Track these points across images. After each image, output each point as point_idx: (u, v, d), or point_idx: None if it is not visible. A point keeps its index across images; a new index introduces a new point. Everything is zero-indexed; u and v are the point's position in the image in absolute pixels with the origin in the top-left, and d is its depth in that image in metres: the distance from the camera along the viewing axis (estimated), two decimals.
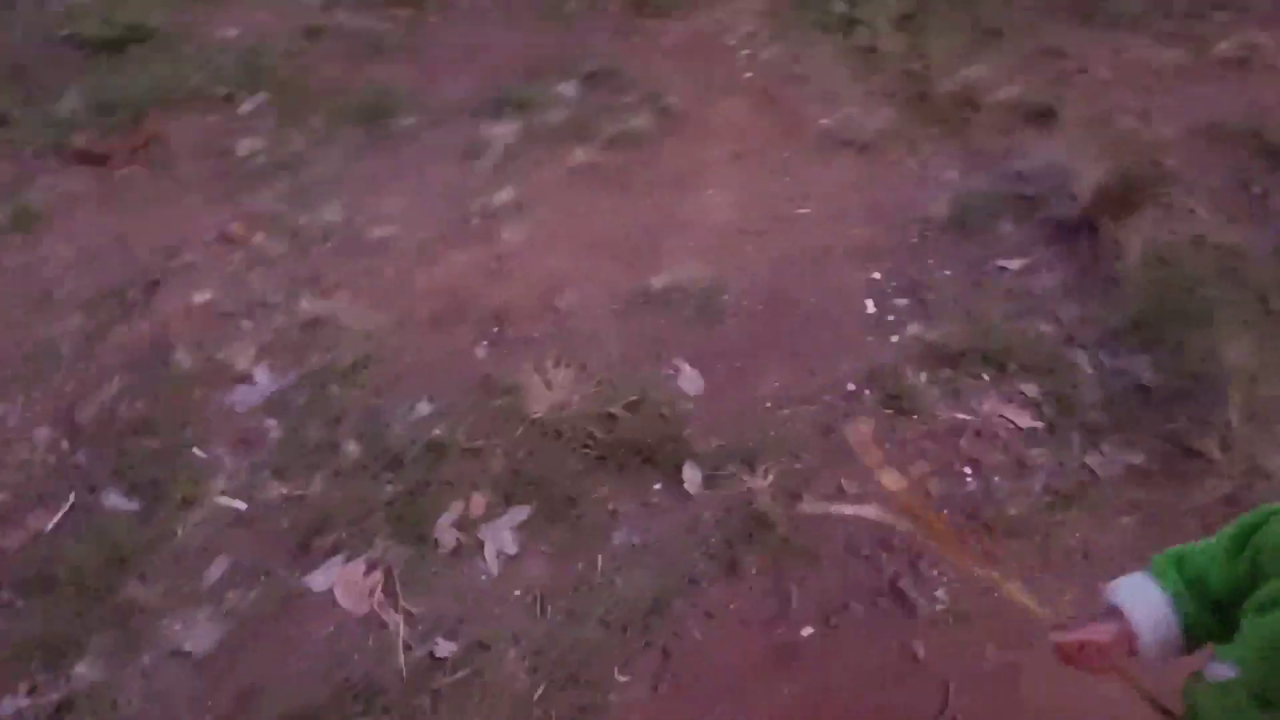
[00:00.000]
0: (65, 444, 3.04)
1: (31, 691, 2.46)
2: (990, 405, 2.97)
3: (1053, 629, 1.57)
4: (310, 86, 4.64)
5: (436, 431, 3.04)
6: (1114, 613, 1.50)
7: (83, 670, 2.50)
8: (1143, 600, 1.47)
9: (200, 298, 3.55)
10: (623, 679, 2.45)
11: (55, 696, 2.45)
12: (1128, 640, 1.47)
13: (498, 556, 2.79)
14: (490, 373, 3.22)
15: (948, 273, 3.40)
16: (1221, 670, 1.33)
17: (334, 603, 2.68)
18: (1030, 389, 2.99)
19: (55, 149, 4.20)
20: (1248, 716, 1.27)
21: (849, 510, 2.69)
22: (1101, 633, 1.50)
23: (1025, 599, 1.98)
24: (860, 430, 2.93)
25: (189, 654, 2.55)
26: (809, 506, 2.75)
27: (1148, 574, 1.50)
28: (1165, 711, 1.53)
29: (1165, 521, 2.63)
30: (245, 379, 3.26)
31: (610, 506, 2.82)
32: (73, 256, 3.72)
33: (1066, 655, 1.54)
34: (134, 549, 2.74)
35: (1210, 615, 1.44)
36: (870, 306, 3.33)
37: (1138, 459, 2.78)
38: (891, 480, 2.75)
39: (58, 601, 2.62)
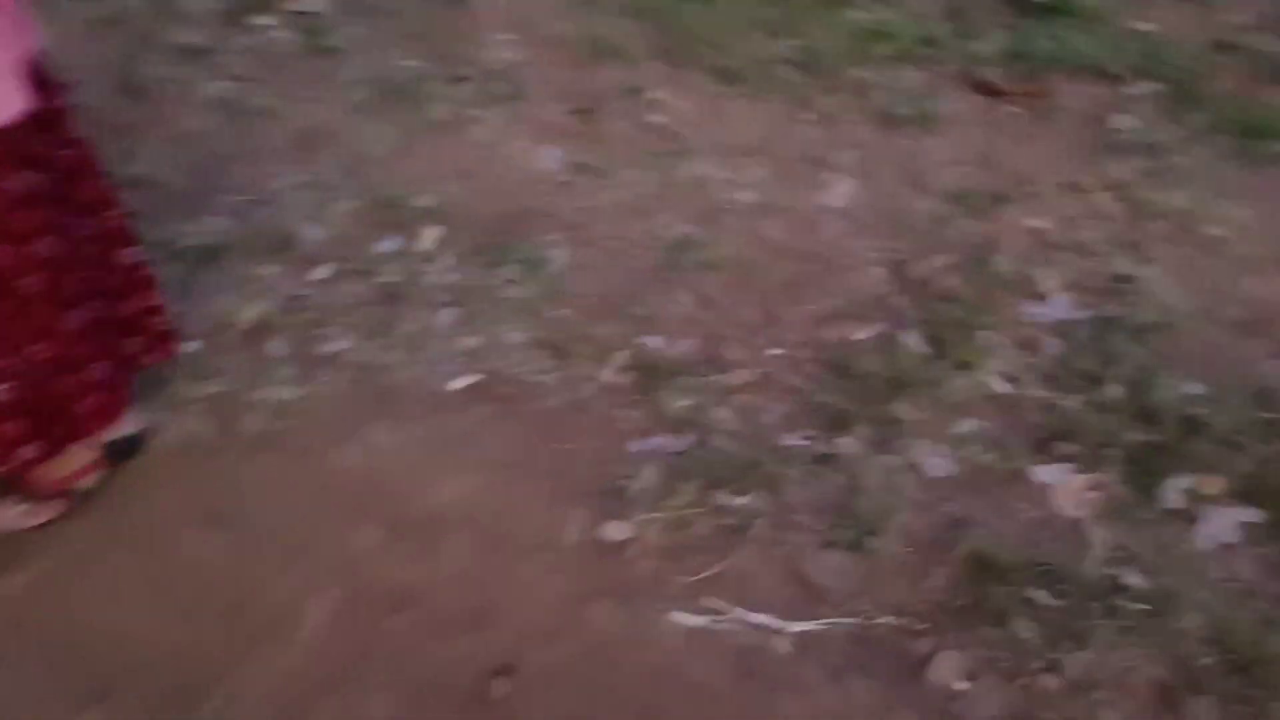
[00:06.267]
0: (891, 286, 3.72)
1: (807, 439, 3.17)
2: None
3: None
4: (1200, 90, 4.77)
5: (1199, 411, 3.17)
6: None
7: (845, 442, 3.15)
8: None
9: (1034, 223, 4.01)
10: None
11: (821, 450, 3.13)
12: None
13: (1211, 538, 2.89)
14: (1273, 387, 3.26)
15: None
16: None
17: (1048, 498, 3.01)
18: None
19: (963, 74, 4.90)
20: None
21: None
22: None
23: None
24: None
25: (921, 471, 3.07)
26: None
27: None
28: None
29: None
30: (1043, 299, 3.66)
31: None
32: (947, 155, 4.40)
33: None
34: (912, 380, 3.32)
35: None
36: None
37: None
38: None
39: (850, 385, 3.31)
